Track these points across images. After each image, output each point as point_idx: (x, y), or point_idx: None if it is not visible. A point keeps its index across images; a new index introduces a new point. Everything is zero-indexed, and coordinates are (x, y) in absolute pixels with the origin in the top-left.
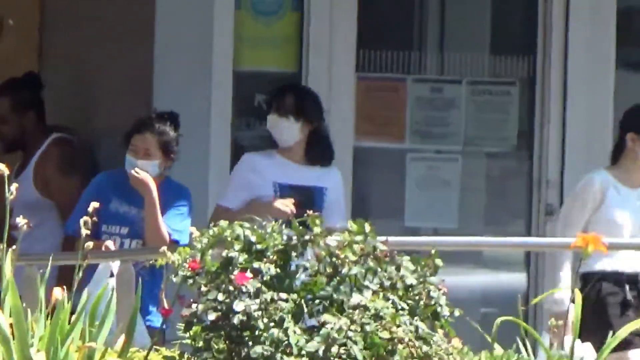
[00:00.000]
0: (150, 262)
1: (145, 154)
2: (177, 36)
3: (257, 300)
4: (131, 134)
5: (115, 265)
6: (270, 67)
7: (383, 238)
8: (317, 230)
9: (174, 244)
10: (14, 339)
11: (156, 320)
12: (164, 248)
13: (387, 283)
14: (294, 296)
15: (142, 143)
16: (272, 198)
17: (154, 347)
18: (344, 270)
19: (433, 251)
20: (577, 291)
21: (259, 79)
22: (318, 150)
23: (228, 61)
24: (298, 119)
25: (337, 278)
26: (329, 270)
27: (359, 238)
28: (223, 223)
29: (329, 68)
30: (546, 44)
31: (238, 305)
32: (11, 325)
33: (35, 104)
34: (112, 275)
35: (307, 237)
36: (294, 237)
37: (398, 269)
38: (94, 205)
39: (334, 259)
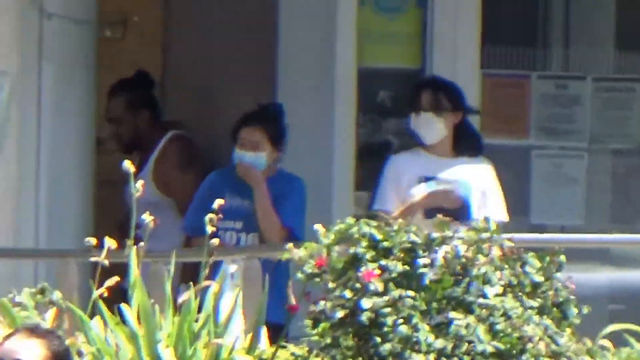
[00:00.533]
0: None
1: (253, 146)
2: (300, 33)
3: (385, 298)
4: (239, 128)
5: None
6: (393, 63)
7: (508, 236)
8: (447, 232)
9: (292, 239)
10: (141, 335)
11: (274, 315)
12: (290, 245)
13: (513, 281)
14: (422, 294)
15: (249, 136)
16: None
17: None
18: (474, 271)
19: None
20: None
21: (383, 76)
22: (464, 142)
23: (351, 58)
24: (440, 114)
25: (467, 278)
26: (458, 269)
27: (485, 235)
28: (350, 220)
29: (453, 64)
30: None
31: (366, 303)
32: (139, 321)
33: (148, 102)
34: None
35: (436, 238)
36: (421, 238)
37: (523, 265)
38: (219, 202)
39: (462, 259)
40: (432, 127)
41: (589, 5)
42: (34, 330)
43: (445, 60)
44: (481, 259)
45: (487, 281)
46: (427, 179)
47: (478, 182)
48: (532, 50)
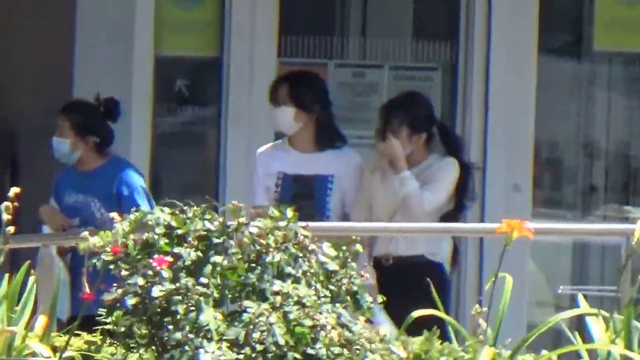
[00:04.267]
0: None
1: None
2: (99, 19)
3: (177, 285)
4: None
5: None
6: (191, 51)
7: (304, 224)
8: (241, 219)
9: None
10: None
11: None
12: (86, 233)
13: (308, 269)
14: (215, 281)
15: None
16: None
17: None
18: (268, 258)
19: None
20: (508, 278)
21: (180, 64)
22: (323, 136)
23: (149, 46)
24: (291, 107)
25: (260, 266)
26: (252, 257)
27: (281, 224)
28: (144, 207)
29: (250, 53)
30: (468, 29)
31: (156, 291)
32: None
33: None
34: None
35: (230, 225)
36: (217, 225)
37: (318, 254)
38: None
39: (256, 246)
40: (283, 119)
41: None
42: None
43: (243, 49)
44: (274, 246)
45: (281, 269)
46: (285, 177)
47: (341, 177)
48: (330, 39)
